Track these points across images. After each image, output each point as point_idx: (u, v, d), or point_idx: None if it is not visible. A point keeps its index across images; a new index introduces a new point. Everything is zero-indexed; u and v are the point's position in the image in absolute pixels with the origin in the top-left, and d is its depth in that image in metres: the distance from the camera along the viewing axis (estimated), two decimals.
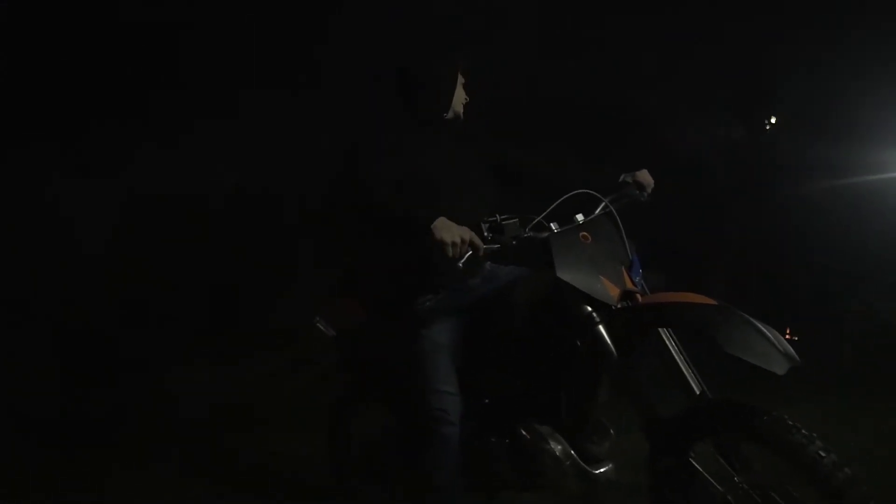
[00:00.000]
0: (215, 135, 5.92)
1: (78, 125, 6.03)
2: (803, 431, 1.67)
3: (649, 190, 2.39)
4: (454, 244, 1.98)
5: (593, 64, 6.29)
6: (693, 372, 2.02)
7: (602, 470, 2.19)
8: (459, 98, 2.50)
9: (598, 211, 2.21)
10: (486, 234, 2.05)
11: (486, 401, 2.38)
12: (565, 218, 2.18)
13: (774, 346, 1.75)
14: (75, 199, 5.96)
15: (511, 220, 2.06)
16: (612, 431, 2.28)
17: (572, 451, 2.17)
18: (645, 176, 2.40)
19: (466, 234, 2.01)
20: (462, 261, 1.99)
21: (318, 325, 2.71)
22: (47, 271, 5.81)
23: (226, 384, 5.61)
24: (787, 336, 5.01)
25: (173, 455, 4.18)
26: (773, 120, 6.99)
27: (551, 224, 2.13)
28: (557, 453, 2.15)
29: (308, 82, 6.18)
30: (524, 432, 2.22)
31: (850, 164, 5.88)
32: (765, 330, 1.79)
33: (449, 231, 2.00)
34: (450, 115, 2.49)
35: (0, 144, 5.76)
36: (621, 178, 2.40)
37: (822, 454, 1.62)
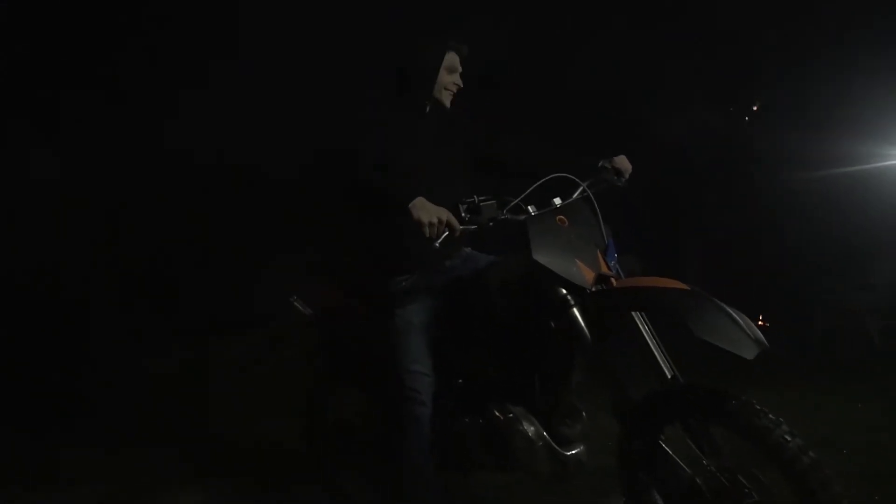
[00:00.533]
0: (187, 110, 5.83)
1: (40, 101, 5.90)
2: (770, 416, 1.70)
3: (627, 175, 2.40)
4: (431, 224, 1.99)
5: (573, 50, 6.29)
6: (665, 356, 2.04)
7: (573, 451, 2.22)
8: (443, 84, 2.46)
9: (575, 195, 2.22)
10: (463, 214, 2.05)
11: (460, 381, 2.40)
12: (543, 201, 2.18)
13: (744, 332, 1.77)
14: (39, 177, 5.85)
15: (489, 202, 2.07)
16: (584, 414, 2.30)
17: (545, 433, 2.19)
18: (623, 162, 2.41)
19: (444, 214, 2.01)
20: (439, 241, 2.00)
21: (295, 303, 2.70)
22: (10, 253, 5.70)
23: (196, 367, 5.58)
24: (760, 323, 5.09)
25: (144, 439, 4.14)
26: (754, 108, 7.04)
27: (529, 207, 2.14)
28: (530, 434, 2.17)
29: (283, 58, 6.09)
30: (497, 413, 2.24)
31: (824, 156, 5.96)
32: (735, 315, 1.82)
33: (426, 211, 2.00)
34: (432, 100, 2.48)
35: None
36: (599, 163, 2.40)
37: (788, 438, 1.66)
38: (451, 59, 2.45)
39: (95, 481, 3.54)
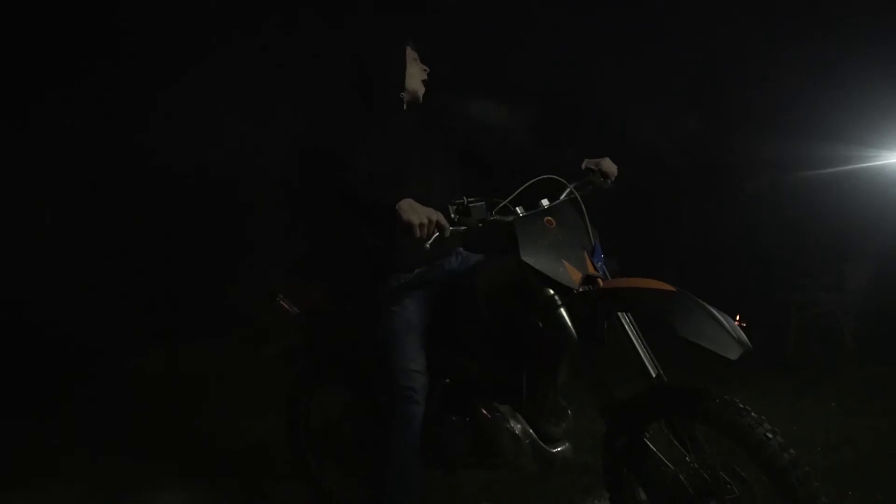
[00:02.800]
0: (169, 108, 5.78)
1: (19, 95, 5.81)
2: (752, 414, 1.74)
3: (612, 178, 2.44)
4: (421, 225, 2.00)
5: (550, 49, 6.32)
6: (650, 355, 2.08)
7: (559, 449, 2.25)
8: (415, 76, 2.49)
9: (562, 196, 2.25)
10: (452, 215, 2.06)
11: (447, 380, 2.42)
12: (530, 202, 2.21)
13: (728, 332, 1.82)
14: (20, 171, 5.77)
15: (478, 203, 2.09)
16: (569, 412, 2.33)
17: (531, 431, 2.22)
18: (608, 164, 2.44)
19: (433, 214, 2.03)
20: (429, 241, 2.01)
21: (281, 302, 2.70)
22: None
23: (178, 364, 5.54)
24: (738, 322, 5.13)
25: (126, 439, 4.12)
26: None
27: (517, 208, 2.17)
28: (517, 432, 2.20)
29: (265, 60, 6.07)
30: (484, 411, 2.27)
31: (799, 159, 6.07)
32: (719, 316, 1.86)
33: (415, 212, 2.01)
34: (407, 96, 2.49)
35: None
36: (584, 164, 2.43)
37: (769, 436, 1.71)
38: (410, 52, 2.49)
39: (75, 481, 3.52)
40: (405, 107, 2.50)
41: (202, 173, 6.10)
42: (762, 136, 6.22)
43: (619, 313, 2.08)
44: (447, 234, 2.04)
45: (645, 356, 2.07)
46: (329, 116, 2.55)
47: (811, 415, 3.80)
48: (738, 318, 5.56)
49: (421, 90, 2.50)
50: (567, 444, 2.28)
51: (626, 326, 2.09)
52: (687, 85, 6.91)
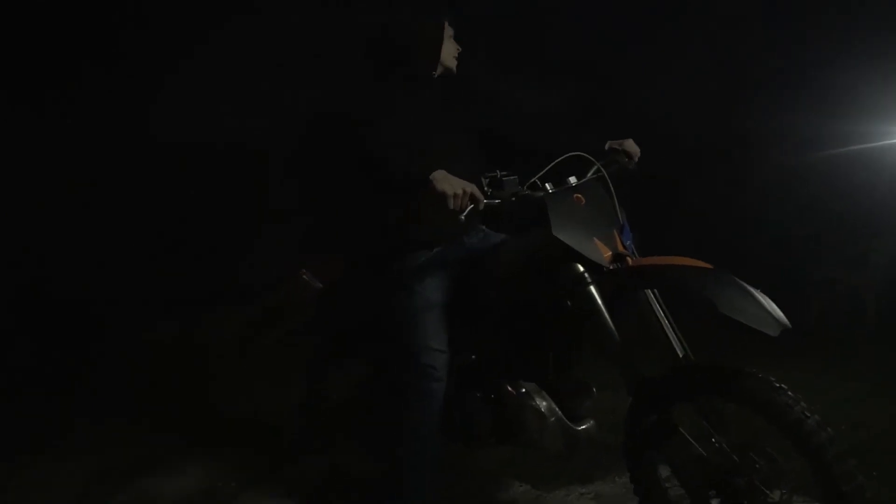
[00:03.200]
0: (180, 78, 5.75)
1: (31, 69, 5.80)
2: (789, 393, 1.73)
3: (636, 159, 2.42)
4: (455, 195, 1.96)
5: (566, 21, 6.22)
6: (677, 334, 2.06)
7: (584, 427, 2.24)
8: (449, 52, 2.47)
9: (590, 174, 2.23)
10: (486, 188, 2.04)
11: (473, 357, 2.41)
12: (557, 180, 2.19)
13: (766, 309, 1.80)
14: (30, 145, 5.78)
15: (511, 177, 2.08)
16: (593, 389, 2.33)
17: (557, 409, 2.21)
18: (631, 145, 2.42)
19: (468, 186, 1.99)
20: (464, 213, 1.97)
21: (303, 276, 2.69)
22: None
23: (193, 339, 5.57)
24: None
25: (142, 411, 4.15)
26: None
27: (546, 185, 2.14)
28: (542, 410, 2.19)
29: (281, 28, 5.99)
30: (509, 388, 2.26)
31: (821, 135, 5.96)
32: (757, 294, 1.84)
33: (449, 183, 1.98)
34: (439, 70, 2.46)
35: None
36: (607, 145, 2.41)
37: (807, 415, 1.70)
38: (447, 28, 2.46)
39: (92, 453, 3.56)
40: (436, 82, 2.47)
41: (221, 141, 6.08)
42: (788, 109, 6.10)
43: (647, 291, 2.07)
44: (482, 206, 2.01)
45: (672, 335, 2.06)
46: (347, 84, 2.53)
47: (832, 393, 3.77)
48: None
49: (453, 66, 2.47)
50: (592, 422, 2.27)
51: (653, 305, 2.08)
52: (711, 58, 6.77)
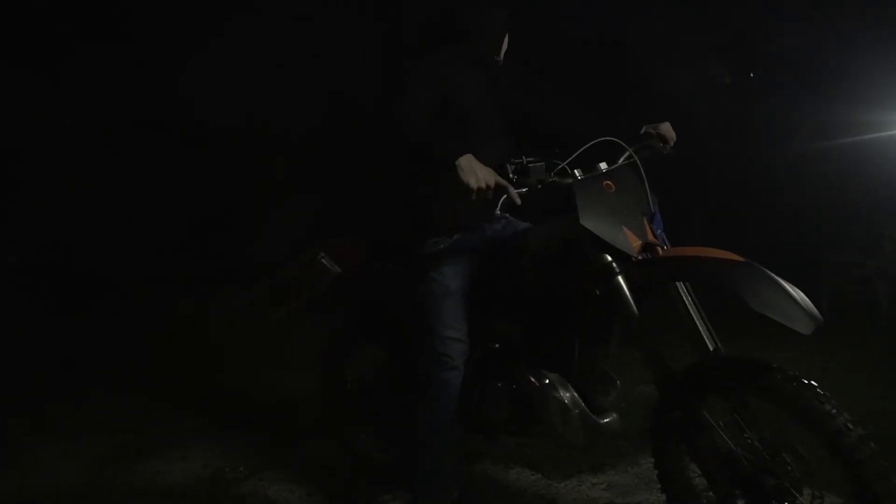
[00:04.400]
0: (202, 59, 5.67)
1: (59, 47, 5.72)
2: (832, 401, 1.67)
3: (671, 143, 2.34)
4: (479, 189, 1.91)
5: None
6: (708, 327, 2.01)
7: (607, 420, 2.20)
8: (504, 46, 2.42)
9: (621, 160, 2.15)
10: (511, 175, 1.97)
11: (496, 346, 2.36)
12: (588, 166, 2.12)
13: (799, 306, 1.75)
14: (54, 121, 5.72)
15: (537, 164, 2.00)
16: (618, 382, 2.28)
17: (580, 401, 2.17)
18: (668, 129, 2.34)
19: (491, 175, 1.93)
20: (499, 206, 1.93)
21: (322, 260, 2.63)
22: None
23: (205, 317, 5.53)
24: None
25: (156, 390, 4.10)
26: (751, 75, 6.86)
27: (575, 171, 2.07)
28: (566, 402, 2.14)
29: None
30: (532, 379, 2.21)
31: (837, 122, 5.88)
32: (790, 289, 1.78)
33: (473, 171, 1.92)
34: (490, 58, 2.40)
35: None
36: (643, 129, 2.33)
37: (850, 427, 1.65)
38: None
39: (103, 433, 3.53)
40: (486, 65, 2.40)
41: (237, 119, 6.00)
42: (805, 96, 6.01)
43: (677, 283, 2.01)
44: (512, 193, 1.95)
45: (702, 327, 2.01)
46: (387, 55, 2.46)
47: (844, 382, 3.73)
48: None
49: (502, 57, 2.42)
50: (615, 416, 2.22)
51: (684, 296, 2.02)
52: (731, 43, 6.66)
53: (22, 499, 2.95)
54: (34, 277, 5.58)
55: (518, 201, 1.95)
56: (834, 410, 1.66)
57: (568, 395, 2.16)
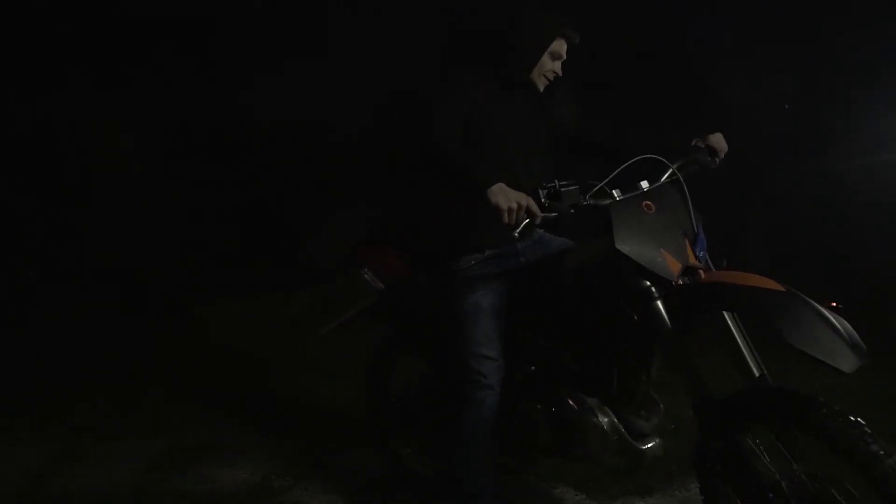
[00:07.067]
0: (258, 64, 5.81)
1: (111, 52, 5.95)
2: (881, 441, 1.58)
3: (722, 156, 2.25)
4: (510, 210, 1.90)
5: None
6: (754, 354, 1.93)
7: (649, 446, 2.14)
8: (543, 69, 2.33)
9: (663, 178, 2.09)
10: (543, 200, 1.94)
11: (533, 367, 2.33)
12: (629, 184, 2.07)
13: (843, 341, 1.65)
14: (105, 127, 5.94)
15: (571, 187, 1.95)
16: (661, 406, 2.22)
17: (620, 426, 2.12)
18: (719, 140, 2.25)
19: (523, 199, 1.91)
20: (518, 229, 1.91)
21: (365, 276, 2.66)
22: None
23: (254, 322, 5.64)
24: (834, 305, 4.79)
25: (201, 397, 4.21)
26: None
27: (614, 191, 2.02)
28: (605, 427, 2.10)
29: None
30: (571, 402, 2.18)
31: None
32: (835, 322, 1.68)
33: (505, 196, 1.91)
34: (525, 81, 2.35)
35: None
36: (693, 141, 2.26)
37: None
38: (559, 45, 2.31)
39: (156, 435, 3.62)
40: (517, 88, 2.36)
41: (288, 128, 6.11)
42: (872, 109, 5.76)
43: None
44: (538, 220, 1.93)
45: (748, 355, 1.92)
46: (435, 75, 2.46)
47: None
48: (833, 302, 5.19)
49: (543, 85, 2.35)
50: (658, 440, 2.16)
51: (730, 322, 1.94)
52: (792, 58, 6.43)
53: (72, 499, 3.04)
54: (95, 285, 5.78)
55: (536, 222, 1.93)
56: (882, 452, 1.56)
57: (607, 420, 2.11)
